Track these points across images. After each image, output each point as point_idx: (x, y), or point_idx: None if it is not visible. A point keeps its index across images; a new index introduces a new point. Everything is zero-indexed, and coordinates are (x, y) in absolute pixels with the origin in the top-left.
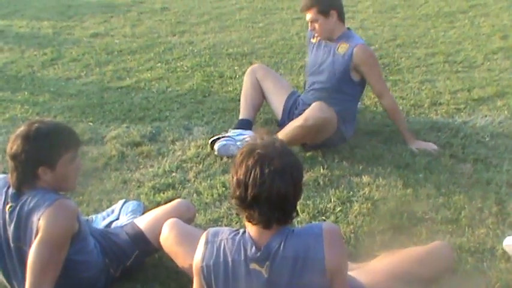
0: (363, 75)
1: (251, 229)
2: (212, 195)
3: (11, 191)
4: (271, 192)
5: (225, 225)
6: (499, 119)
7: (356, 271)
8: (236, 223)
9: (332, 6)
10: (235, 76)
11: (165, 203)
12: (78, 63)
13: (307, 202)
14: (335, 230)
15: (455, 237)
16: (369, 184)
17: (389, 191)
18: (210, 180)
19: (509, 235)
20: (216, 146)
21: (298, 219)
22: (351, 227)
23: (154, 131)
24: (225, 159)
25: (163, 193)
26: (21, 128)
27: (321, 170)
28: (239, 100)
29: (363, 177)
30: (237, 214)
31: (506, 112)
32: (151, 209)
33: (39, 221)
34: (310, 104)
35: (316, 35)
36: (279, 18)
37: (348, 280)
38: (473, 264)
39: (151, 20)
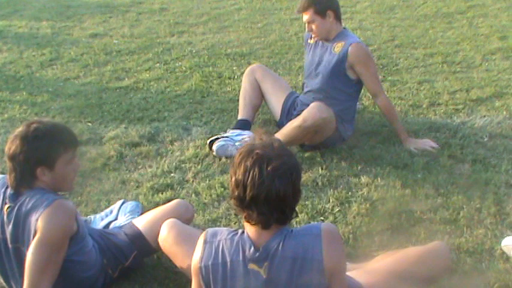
0: (358, 74)
1: (250, 229)
2: (211, 196)
3: (9, 191)
4: (270, 193)
5: (224, 226)
6: (497, 119)
7: (354, 271)
8: (235, 223)
9: (329, 7)
10: (234, 76)
11: (164, 203)
12: (76, 63)
13: (306, 202)
14: (334, 231)
15: (454, 237)
16: (367, 184)
17: (388, 191)
18: (209, 180)
19: (507, 235)
20: (214, 147)
21: (297, 219)
22: (350, 227)
23: (152, 132)
24: (223, 159)
25: (162, 193)
26: (20, 129)
27: (320, 170)
28: (238, 100)
29: (362, 177)
30: (235, 214)
31: (504, 112)
32: (149, 210)
33: (38, 222)
34: (308, 104)
35: (313, 36)
36: (277, 19)
37: (347, 280)
38: (472, 265)
39: (150, 21)
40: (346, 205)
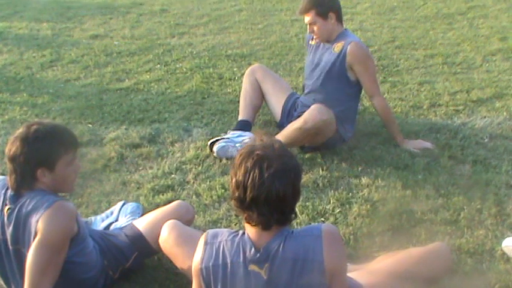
0: (356, 74)
1: (250, 230)
2: (211, 197)
3: (9, 192)
4: (270, 194)
5: (224, 227)
6: (497, 120)
7: (355, 272)
8: (235, 224)
9: (330, 8)
10: (235, 77)
11: (164, 204)
12: (77, 64)
13: (307, 203)
14: (334, 232)
15: (455, 238)
16: (368, 185)
17: (389, 192)
18: (209, 181)
19: (508, 236)
20: (215, 148)
21: (298, 220)
22: (350, 228)
23: (153, 133)
24: (224, 160)
25: (163, 195)
26: (20, 130)
27: (320, 171)
28: (238, 101)
29: (362, 178)
30: (236, 215)
31: (505, 113)
32: (150, 211)
33: (38, 223)
34: (309, 105)
35: (314, 37)
36: (278, 20)
37: (347, 281)
38: (473, 266)
39: (151, 22)
40: (347, 206)
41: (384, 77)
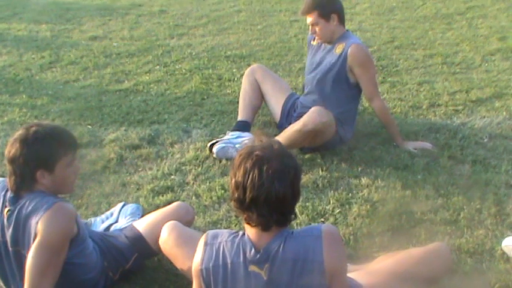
0: (356, 76)
1: (250, 231)
2: (211, 198)
3: (9, 194)
4: (270, 194)
5: (224, 228)
6: (497, 120)
7: (355, 273)
8: (235, 225)
9: (333, 10)
10: (234, 78)
11: (164, 205)
12: (76, 66)
13: (306, 204)
14: (334, 232)
15: (455, 238)
16: (367, 186)
17: (388, 192)
18: (209, 182)
19: (508, 236)
20: (214, 149)
21: (298, 221)
22: (350, 228)
23: (153, 134)
24: (223, 161)
25: (162, 196)
26: (19, 132)
27: (320, 172)
28: (238, 102)
29: (362, 179)
30: (236, 216)
31: (504, 113)
32: (150, 212)
33: (38, 225)
34: (308, 106)
35: (316, 38)
36: (277, 21)
37: (347, 282)
38: (473, 265)
39: (150, 23)
40: (347, 206)
41: (383, 77)
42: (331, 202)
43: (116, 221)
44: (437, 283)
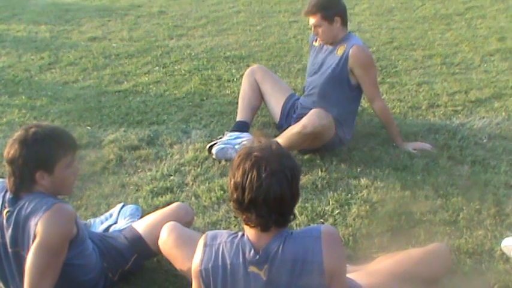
0: (357, 77)
1: (249, 232)
2: (210, 199)
3: (8, 195)
4: (268, 195)
5: (224, 228)
6: (496, 120)
7: (354, 273)
8: (234, 226)
9: (337, 13)
10: (233, 79)
11: (164, 206)
12: (75, 67)
13: (306, 205)
14: (333, 233)
15: (454, 238)
16: (367, 186)
17: (388, 193)
18: (208, 183)
19: (507, 236)
20: (214, 150)
21: (297, 221)
22: (350, 229)
23: (152, 135)
24: (223, 162)
25: (162, 197)
26: (19, 133)
27: (319, 172)
28: (237, 103)
29: (361, 179)
30: (235, 217)
31: (503, 113)
32: (149, 213)
33: (37, 226)
34: (308, 107)
35: (318, 39)
36: (276, 21)
37: (347, 282)
38: (472, 266)
39: (149, 24)
40: (346, 207)
41: (383, 78)
42: (331, 203)
43: (115, 222)
44: (436, 283)
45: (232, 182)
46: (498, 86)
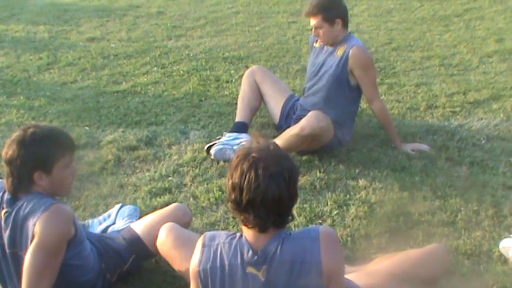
0: (356, 78)
1: (247, 233)
2: (209, 199)
3: (6, 196)
4: (266, 196)
5: (222, 229)
6: (494, 121)
7: (353, 274)
8: (233, 227)
9: (338, 15)
10: (232, 80)
11: (162, 207)
12: (74, 67)
13: (304, 205)
14: (332, 233)
15: (452, 239)
16: (365, 187)
17: (386, 194)
18: (207, 184)
19: (505, 237)
20: (212, 151)
21: (295, 222)
22: (348, 230)
23: (150, 135)
24: (221, 163)
25: (160, 197)
26: (17, 133)
27: (318, 173)
28: (236, 104)
29: (360, 180)
30: (233, 218)
31: (501, 115)
32: (147, 214)
33: (35, 226)
34: (308, 109)
35: (319, 40)
36: (275, 22)
37: (345, 283)
38: (470, 267)
39: (148, 24)
40: (344, 208)
41: (381, 79)
42: (329, 204)
43: (114, 223)
44: (434, 284)
45: (230, 183)
46: (496, 87)
